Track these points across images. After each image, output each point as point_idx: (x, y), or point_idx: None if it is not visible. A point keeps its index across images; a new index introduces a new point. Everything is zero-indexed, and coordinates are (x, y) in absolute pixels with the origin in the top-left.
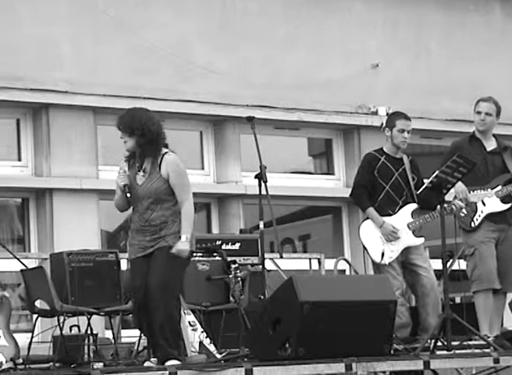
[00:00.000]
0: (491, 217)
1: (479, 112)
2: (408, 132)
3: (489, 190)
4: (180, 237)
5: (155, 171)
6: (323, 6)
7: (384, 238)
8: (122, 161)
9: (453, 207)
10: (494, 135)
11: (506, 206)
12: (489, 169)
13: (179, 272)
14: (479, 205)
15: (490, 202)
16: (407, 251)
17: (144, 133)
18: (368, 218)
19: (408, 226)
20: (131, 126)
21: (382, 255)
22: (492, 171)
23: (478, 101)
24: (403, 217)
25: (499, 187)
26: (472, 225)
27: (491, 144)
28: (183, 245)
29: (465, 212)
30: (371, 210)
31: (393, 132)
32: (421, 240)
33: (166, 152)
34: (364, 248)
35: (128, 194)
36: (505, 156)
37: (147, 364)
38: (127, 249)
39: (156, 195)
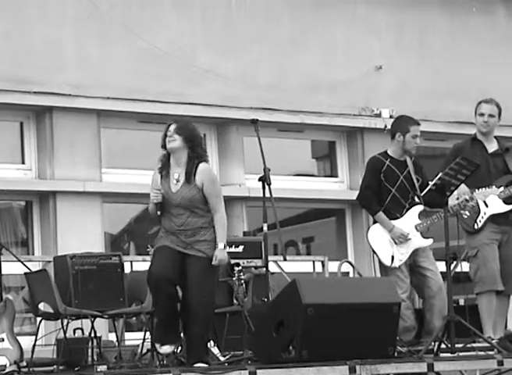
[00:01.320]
0: (494, 218)
1: (482, 114)
2: (419, 137)
3: (494, 187)
4: (217, 246)
5: (191, 180)
6: (328, 9)
7: (394, 241)
8: (156, 171)
9: (464, 208)
10: (495, 137)
11: (509, 207)
12: (491, 170)
13: (214, 282)
14: (482, 206)
15: (493, 204)
16: (414, 253)
17: (199, 147)
18: (375, 222)
19: (416, 228)
20: (191, 135)
21: (392, 258)
22: (494, 172)
23: (480, 102)
24: (410, 219)
25: (502, 189)
26: (475, 227)
27: (492, 146)
28: (222, 254)
29: (468, 214)
30: (380, 214)
31: (406, 137)
32: (430, 241)
33: (200, 162)
34: (374, 251)
35: (159, 212)
36: (507, 158)
37: (163, 349)
38: (155, 241)
39: (190, 203)
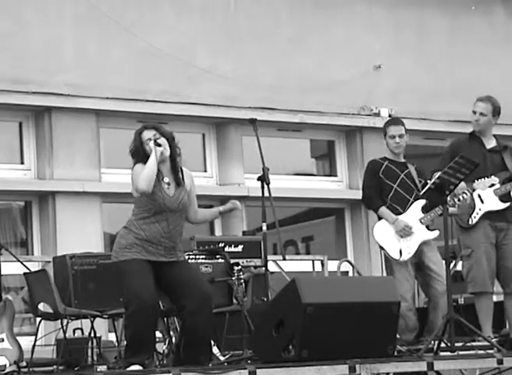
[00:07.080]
0: (489, 216)
1: (474, 112)
2: (400, 136)
3: (493, 177)
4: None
5: (181, 184)
6: (327, 9)
7: (399, 235)
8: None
9: (461, 198)
10: (495, 136)
11: (505, 205)
12: (488, 165)
13: None
14: (477, 202)
15: (489, 200)
16: (420, 252)
17: (176, 147)
18: (380, 218)
19: (421, 222)
20: (171, 135)
21: (400, 252)
22: (491, 169)
23: (476, 100)
24: (414, 213)
25: (498, 185)
26: (469, 222)
27: (491, 143)
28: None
29: (464, 205)
30: (383, 209)
31: (387, 139)
32: (436, 233)
33: (179, 164)
34: (381, 247)
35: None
36: (504, 155)
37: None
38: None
39: (183, 207)
